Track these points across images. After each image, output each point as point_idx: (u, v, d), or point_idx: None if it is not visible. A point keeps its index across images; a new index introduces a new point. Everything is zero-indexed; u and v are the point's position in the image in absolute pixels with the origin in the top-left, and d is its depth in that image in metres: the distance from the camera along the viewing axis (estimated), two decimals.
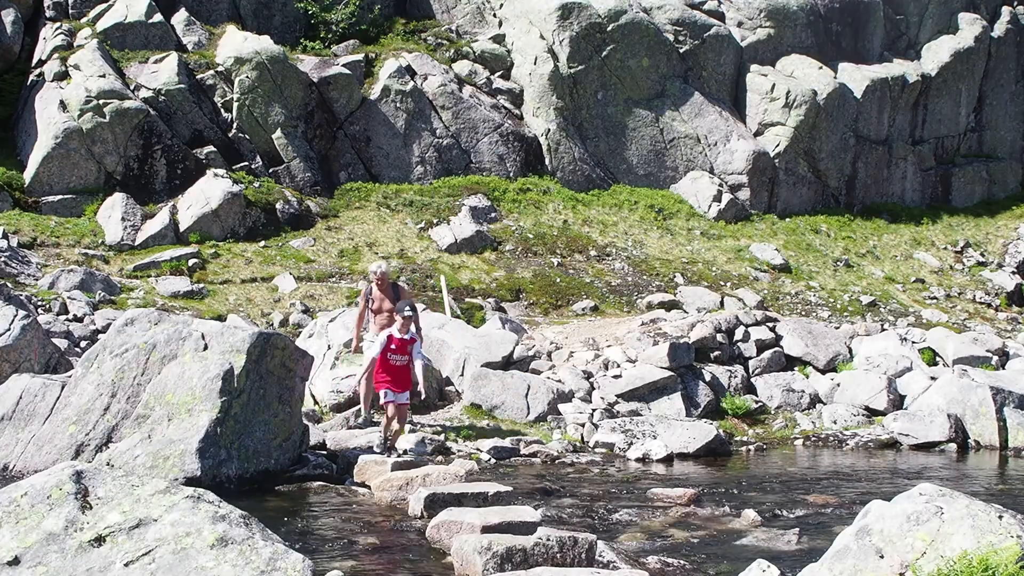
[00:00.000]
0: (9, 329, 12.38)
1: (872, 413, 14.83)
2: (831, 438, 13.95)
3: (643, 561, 6.96)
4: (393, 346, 10.65)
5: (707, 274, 22.34)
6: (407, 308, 10.64)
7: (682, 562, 7.01)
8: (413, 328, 10.96)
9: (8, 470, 9.33)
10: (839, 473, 11.65)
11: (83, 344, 14.58)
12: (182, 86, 22.24)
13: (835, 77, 27.33)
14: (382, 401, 10.81)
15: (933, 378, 15.22)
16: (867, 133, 27.88)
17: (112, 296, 17.62)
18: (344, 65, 24.15)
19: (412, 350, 10.75)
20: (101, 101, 21.18)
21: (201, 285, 18.72)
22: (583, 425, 13.24)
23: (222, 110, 22.74)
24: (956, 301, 24.22)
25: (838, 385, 15.48)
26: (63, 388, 9.84)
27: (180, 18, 24.15)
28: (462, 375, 14.30)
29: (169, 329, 9.74)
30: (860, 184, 27.83)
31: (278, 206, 21.75)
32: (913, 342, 16.67)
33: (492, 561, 6.12)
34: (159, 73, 22.36)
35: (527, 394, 13.68)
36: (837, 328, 17.90)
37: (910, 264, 25.61)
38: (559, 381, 14.47)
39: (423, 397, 11.33)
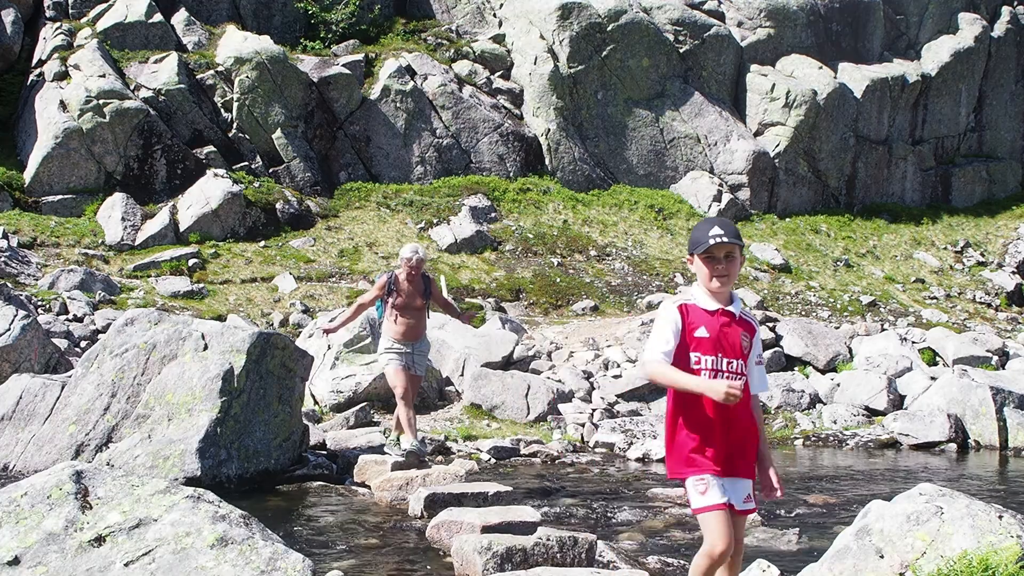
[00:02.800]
0: (9, 329, 12.38)
1: (872, 413, 14.82)
2: (831, 438, 13.94)
3: (643, 561, 6.95)
4: (705, 332, 4.39)
5: None
6: (732, 233, 4.49)
7: (682, 562, 7.00)
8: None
9: (8, 470, 9.32)
10: (839, 473, 11.63)
11: (83, 344, 14.58)
12: (182, 86, 22.24)
13: (835, 77, 27.33)
14: (722, 533, 4.12)
15: (933, 378, 15.21)
16: (867, 133, 27.87)
17: (112, 296, 17.62)
18: (344, 65, 24.15)
19: (751, 351, 4.48)
20: (101, 101, 21.18)
21: (201, 285, 18.71)
22: (583, 425, 13.24)
23: (222, 110, 22.73)
24: (956, 301, 24.22)
25: (838, 385, 15.47)
26: (63, 388, 9.83)
27: (180, 18, 24.16)
28: (462, 375, 14.30)
29: (169, 329, 9.73)
30: (860, 184, 27.84)
31: (278, 206, 21.75)
32: (913, 342, 16.67)
33: (492, 561, 6.11)
34: (159, 73, 22.37)
35: (527, 394, 13.67)
36: (837, 328, 17.90)
37: (910, 264, 25.61)
38: (559, 381, 14.47)
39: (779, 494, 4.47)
